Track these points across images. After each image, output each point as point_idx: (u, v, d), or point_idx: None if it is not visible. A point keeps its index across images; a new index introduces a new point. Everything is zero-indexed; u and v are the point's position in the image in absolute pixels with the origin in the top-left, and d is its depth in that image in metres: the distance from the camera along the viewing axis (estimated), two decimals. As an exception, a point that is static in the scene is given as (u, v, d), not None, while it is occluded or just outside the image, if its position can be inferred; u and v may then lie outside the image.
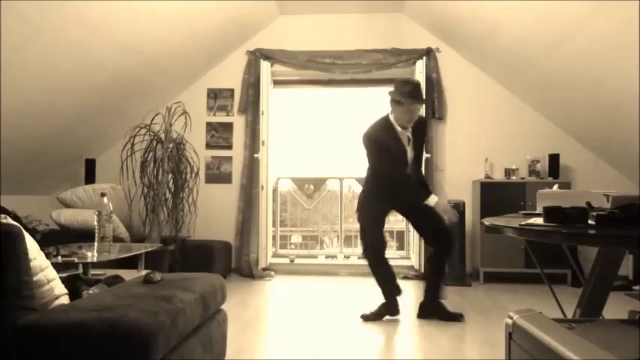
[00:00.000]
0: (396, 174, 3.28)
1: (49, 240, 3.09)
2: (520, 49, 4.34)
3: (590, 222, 1.57)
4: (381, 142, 3.27)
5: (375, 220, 3.38)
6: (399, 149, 3.30)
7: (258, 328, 3.16)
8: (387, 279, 3.39)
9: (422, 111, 4.97)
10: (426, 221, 3.39)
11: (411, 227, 5.29)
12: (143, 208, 4.41)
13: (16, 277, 1.44)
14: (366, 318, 3.34)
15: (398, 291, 3.41)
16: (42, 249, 1.64)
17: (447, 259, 3.45)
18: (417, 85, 3.33)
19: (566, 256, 3.61)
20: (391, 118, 3.30)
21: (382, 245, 3.42)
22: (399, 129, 3.29)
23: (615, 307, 2.32)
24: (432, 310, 3.37)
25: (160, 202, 4.40)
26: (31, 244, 1.55)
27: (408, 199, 3.36)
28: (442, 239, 3.35)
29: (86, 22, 3.45)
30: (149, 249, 3.31)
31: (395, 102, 3.24)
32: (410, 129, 3.34)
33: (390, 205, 3.44)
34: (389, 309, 3.37)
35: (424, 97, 3.40)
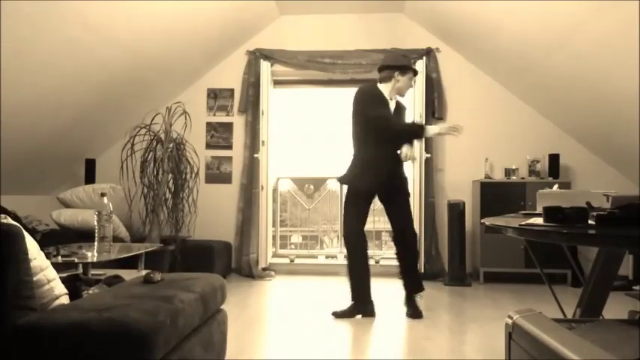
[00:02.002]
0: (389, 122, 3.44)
1: (49, 240, 3.09)
2: (520, 49, 4.34)
3: (590, 222, 1.57)
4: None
5: (357, 210, 3.41)
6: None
7: (258, 328, 3.16)
8: (360, 277, 3.43)
9: (422, 109, 4.98)
10: (396, 215, 3.47)
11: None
12: (143, 208, 4.41)
13: (16, 277, 1.44)
14: (336, 315, 3.39)
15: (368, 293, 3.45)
16: (42, 249, 1.64)
17: (405, 259, 3.49)
18: None
19: (566, 256, 3.61)
20: None
21: (361, 238, 3.43)
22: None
23: (615, 307, 2.32)
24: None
25: (160, 202, 4.40)
26: (31, 244, 1.55)
27: (407, 138, 3.48)
28: (404, 238, 3.46)
29: (86, 22, 3.45)
30: (149, 249, 3.31)
31: None
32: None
33: (372, 185, 3.42)
34: (359, 309, 3.41)
35: (385, 63, 3.58)
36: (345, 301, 3.47)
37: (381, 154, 3.41)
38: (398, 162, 3.49)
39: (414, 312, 3.42)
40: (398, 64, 3.47)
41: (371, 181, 3.38)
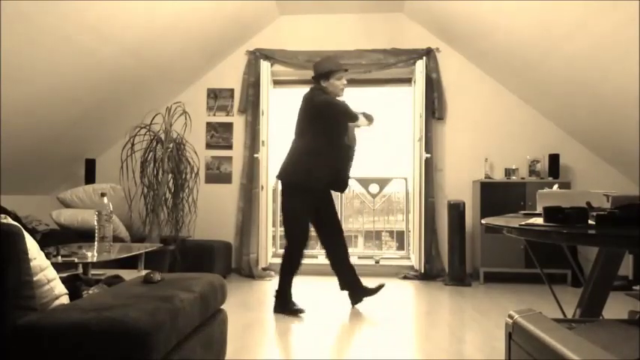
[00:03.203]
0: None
1: (49, 240, 3.09)
2: (520, 49, 4.34)
3: (590, 222, 1.57)
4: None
5: (302, 215, 3.46)
6: None
7: (258, 328, 3.16)
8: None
9: (422, 109, 4.99)
10: (324, 221, 3.56)
11: (410, 227, 5.30)
12: (143, 208, 4.41)
13: (16, 277, 1.44)
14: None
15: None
16: (42, 249, 1.64)
17: (334, 260, 3.62)
18: None
19: (566, 256, 3.61)
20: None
21: (305, 243, 3.52)
22: None
23: (615, 307, 2.32)
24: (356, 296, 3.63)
25: (160, 202, 4.40)
26: (31, 244, 1.55)
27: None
28: (339, 237, 3.60)
29: (86, 22, 3.45)
30: (149, 249, 3.31)
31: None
32: None
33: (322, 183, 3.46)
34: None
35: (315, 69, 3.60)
36: (344, 301, 3.48)
37: (335, 150, 3.47)
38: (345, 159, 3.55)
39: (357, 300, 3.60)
40: (316, 74, 3.53)
41: (323, 179, 3.41)
